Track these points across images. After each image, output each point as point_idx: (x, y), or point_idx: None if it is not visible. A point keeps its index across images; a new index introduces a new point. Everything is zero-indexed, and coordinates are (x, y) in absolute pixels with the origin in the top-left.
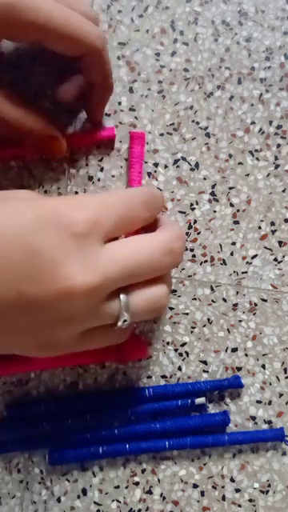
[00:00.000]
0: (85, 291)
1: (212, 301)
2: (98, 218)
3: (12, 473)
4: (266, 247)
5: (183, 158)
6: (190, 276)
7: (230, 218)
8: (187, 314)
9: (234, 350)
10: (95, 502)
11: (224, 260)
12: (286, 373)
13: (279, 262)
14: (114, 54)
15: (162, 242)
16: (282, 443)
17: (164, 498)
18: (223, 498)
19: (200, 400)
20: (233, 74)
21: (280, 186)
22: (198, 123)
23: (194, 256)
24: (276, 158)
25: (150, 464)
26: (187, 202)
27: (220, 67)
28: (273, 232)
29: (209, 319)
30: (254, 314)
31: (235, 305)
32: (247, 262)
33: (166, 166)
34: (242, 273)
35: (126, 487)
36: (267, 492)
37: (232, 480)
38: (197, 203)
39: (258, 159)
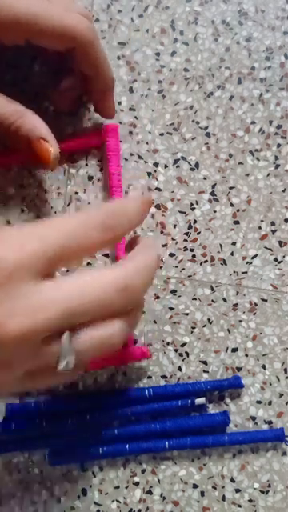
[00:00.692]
0: (16, 337)
1: (212, 301)
2: (29, 253)
3: (12, 473)
4: (266, 247)
5: (183, 158)
6: (190, 276)
7: (230, 217)
8: (187, 314)
9: (234, 350)
10: (95, 503)
11: (224, 260)
12: (286, 373)
13: (279, 262)
14: (114, 53)
15: (115, 278)
16: (282, 443)
17: (164, 499)
18: (223, 499)
19: (200, 400)
20: (233, 73)
21: (280, 186)
22: (198, 123)
23: (194, 256)
24: (276, 158)
25: (149, 464)
26: (187, 201)
27: (220, 67)
28: (273, 232)
29: (209, 319)
30: (254, 314)
31: (235, 305)
32: (247, 262)
33: (166, 166)
34: (242, 273)
35: (126, 487)
36: (267, 492)
37: (232, 480)
38: (197, 203)
39: (258, 159)
